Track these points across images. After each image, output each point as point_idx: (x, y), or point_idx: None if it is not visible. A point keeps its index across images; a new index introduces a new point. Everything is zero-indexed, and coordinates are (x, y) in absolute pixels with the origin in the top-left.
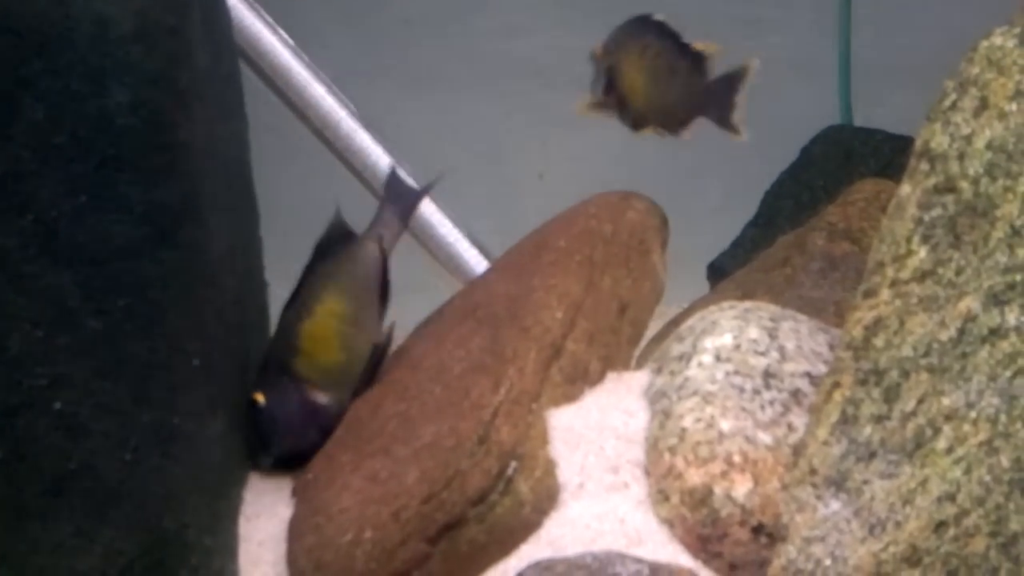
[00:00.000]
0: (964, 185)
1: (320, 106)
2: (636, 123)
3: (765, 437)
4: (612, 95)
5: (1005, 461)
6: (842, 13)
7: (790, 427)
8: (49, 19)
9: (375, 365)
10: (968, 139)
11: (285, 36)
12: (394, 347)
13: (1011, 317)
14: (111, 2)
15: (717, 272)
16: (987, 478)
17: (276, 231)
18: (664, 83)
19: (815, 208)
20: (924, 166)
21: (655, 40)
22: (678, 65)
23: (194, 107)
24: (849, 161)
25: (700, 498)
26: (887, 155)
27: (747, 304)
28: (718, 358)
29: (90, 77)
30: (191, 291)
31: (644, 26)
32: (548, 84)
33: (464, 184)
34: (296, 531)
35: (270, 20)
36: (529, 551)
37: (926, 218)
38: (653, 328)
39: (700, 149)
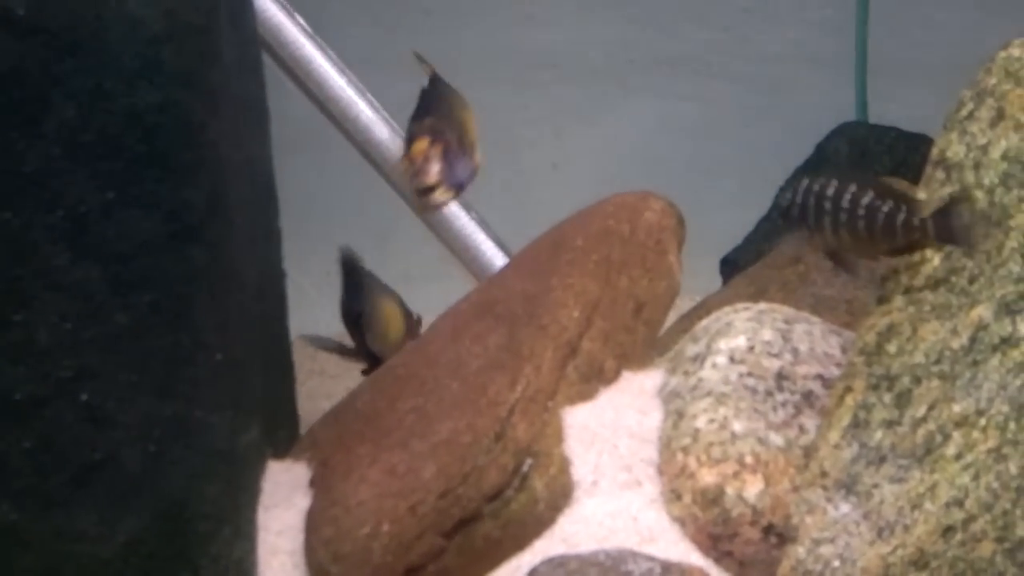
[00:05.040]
0: (979, 194)
1: (340, 98)
2: None
3: (777, 439)
4: None
5: (1013, 468)
6: (860, 8)
7: (802, 429)
8: (81, 19)
9: None
10: (984, 149)
11: (307, 27)
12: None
13: (1022, 326)
14: (142, 3)
15: (730, 266)
16: (995, 484)
17: (293, 221)
18: None
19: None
20: (940, 174)
21: None
22: None
23: (221, 105)
24: (863, 158)
25: (712, 498)
26: (901, 153)
27: (761, 305)
28: (732, 359)
29: (121, 76)
30: (215, 286)
31: None
32: (564, 76)
33: (479, 174)
34: (314, 522)
35: (293, 12)
36: (543, 547)
37: None
38: (666, 321)
39: (714, 143)
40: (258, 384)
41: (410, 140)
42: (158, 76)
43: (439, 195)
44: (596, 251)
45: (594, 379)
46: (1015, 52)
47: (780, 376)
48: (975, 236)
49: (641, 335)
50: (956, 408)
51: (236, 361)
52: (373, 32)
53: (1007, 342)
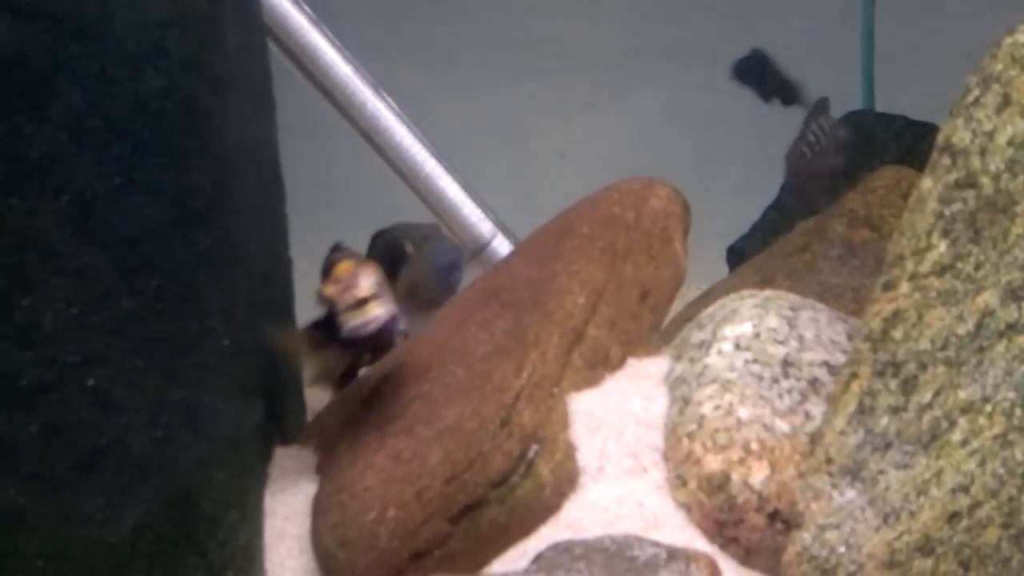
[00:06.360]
0: (985, 181)
1: (346, 85)
2: None
3: (783, 425)
4: None
5: (1019, 454)
6: None
7: (807, 415)
8: (86, 4)
9: None
10: (990, 135)
11: (312, 14)
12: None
13: None
14: None
15: (736, 255)
16: (1001, 471)
17: (298, 208)
18: None
19: (835, 193)
20: (946, 161)
21: None
22: None
23: (227, 91)
24: (870, 147)
25: (717, 484)
26: (908, 142)
27: (767, 293)
28: (738, 346)
29: (126, 62)
30: (221, 272)
31: None
32: (570, 64)
33: (486, 162)
34: (320, 508)
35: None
36: (548, 533)
37: (946, 212)
38: (672, 310)
39: (721, 131)
40: (265, 370)
41: None
42: (163, 61)
43: None
44: (602, 238)
45: (599, 365)
46: (1021, 38)
47: (786, 363)
48: None
49: (647, 322)
50: (962, 394)
51: (243, 347)
52: (378, 20)
53: (1013, 328)
